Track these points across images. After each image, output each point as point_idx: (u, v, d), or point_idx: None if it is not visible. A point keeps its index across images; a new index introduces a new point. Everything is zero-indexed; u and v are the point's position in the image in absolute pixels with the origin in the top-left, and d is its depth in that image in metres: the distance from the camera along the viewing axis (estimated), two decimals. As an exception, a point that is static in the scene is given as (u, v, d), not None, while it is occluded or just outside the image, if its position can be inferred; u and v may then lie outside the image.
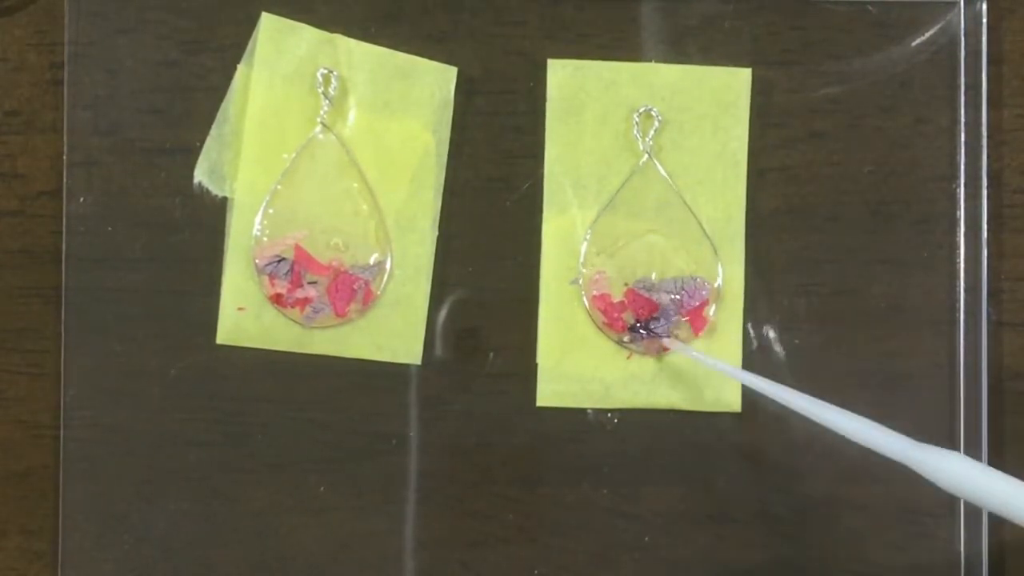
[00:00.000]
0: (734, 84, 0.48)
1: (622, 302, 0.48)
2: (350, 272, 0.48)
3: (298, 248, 0.48)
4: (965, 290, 0.48)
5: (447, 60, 0.48)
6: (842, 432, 0.41)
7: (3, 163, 0.49)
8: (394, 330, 0.48)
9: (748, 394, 0.48)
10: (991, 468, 0.38)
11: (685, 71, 0.48)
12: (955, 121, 0.49)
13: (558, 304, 0.48)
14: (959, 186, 0.48)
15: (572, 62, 0.48)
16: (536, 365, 0.48)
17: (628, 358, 0.48)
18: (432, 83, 0.48)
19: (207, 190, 0.48)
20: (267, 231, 0.48)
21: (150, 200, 0.48)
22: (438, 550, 0.49)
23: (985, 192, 0.48)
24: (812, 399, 0.42)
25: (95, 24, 0.48)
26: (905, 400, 0.48)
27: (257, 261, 0.48)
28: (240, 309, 0.48)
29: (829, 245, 0.49)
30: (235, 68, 0.48)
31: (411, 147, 0.48)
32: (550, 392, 0.48)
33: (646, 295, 0.48)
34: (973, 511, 0.48)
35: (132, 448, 0.48)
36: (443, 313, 0.48)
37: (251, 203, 0.48)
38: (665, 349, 0.48)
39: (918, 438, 0.48)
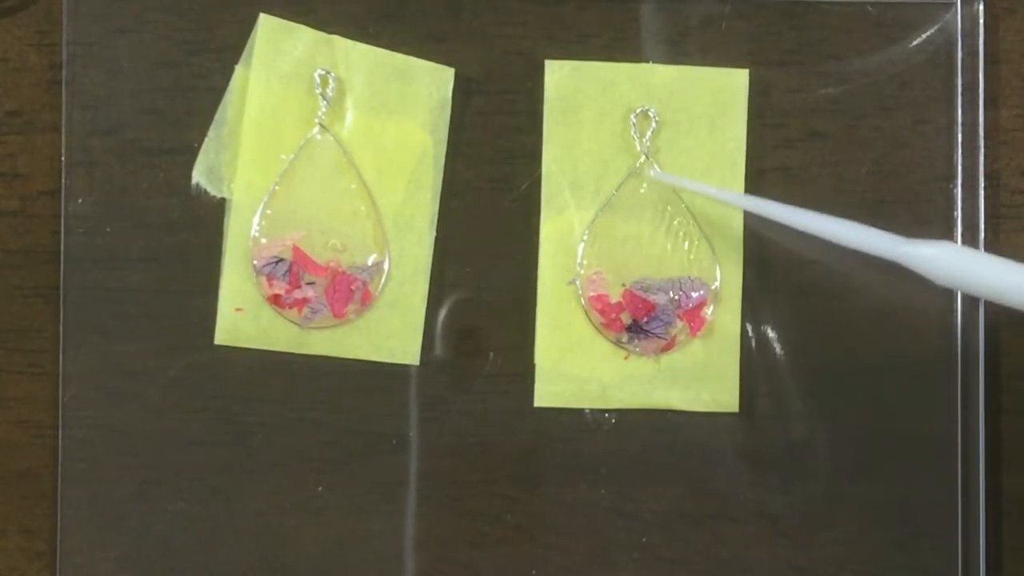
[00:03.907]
0: (731, 85, 0.48)
1: (619, 302, 0.48)
2: (348, 273, 0.48)
3: (296, 249, 0.48)
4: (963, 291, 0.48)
5: (446, 60, 0.48)
6: (832, 237, 0.42)
7: (3, 163, 0.49)
8: (392, 330, 0.48)
9: (747, 394, 0.48)
10: (983, 252, 0.39)
11: (682, 72, 0.48)
12: (953, 121, 0.49)
13: (556, 305, 0.48)
14: (957, 186, 0.48)
15: (569, 63, 0.48)
16: (534, 365, 0.48)
17: (626, 358, 0.48)
18: (430, 84, 0.48)
19: (205, 191, 0.48)
20: (265, 232, 0.48)
21: (149, 200, 0.48)
22: (438, 550, 0.49)
23: (983, 192, 0.48)
24: (796, 208, 0.43)
25: (95, 24, 0.48)
26: (904, 400, 0.48)
27: (255, 262, 0.48)
28: (238, 310, 0.48)
29: (828, 245, 0.48)
30: (235, 69, 0.48)
31: (409, 148, 0.48)
32: (548, 393, 0.48)
33: (643, 295, 0.48)
34: (971, 510, 0.48)
35: (131, 448, 0.48)
36: (441, 313, 0.48)
37: (249, 204, 0.48)
38: (664, 350, 0.48)
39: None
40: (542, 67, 0.49)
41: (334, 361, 0.48)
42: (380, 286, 0.48)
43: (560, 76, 0.48)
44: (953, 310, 0.48)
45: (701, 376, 0.48)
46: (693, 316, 0.48)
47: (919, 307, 0.49)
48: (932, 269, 0.39)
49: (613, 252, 0.48)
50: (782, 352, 0.49)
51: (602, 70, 0.48)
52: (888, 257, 0.40)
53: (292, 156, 0.48)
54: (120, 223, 0.48)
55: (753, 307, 0.49)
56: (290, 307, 0.48)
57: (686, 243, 0.48)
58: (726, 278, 0.48)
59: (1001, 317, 0.49)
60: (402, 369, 0.48)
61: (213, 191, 0.48)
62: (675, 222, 0.48)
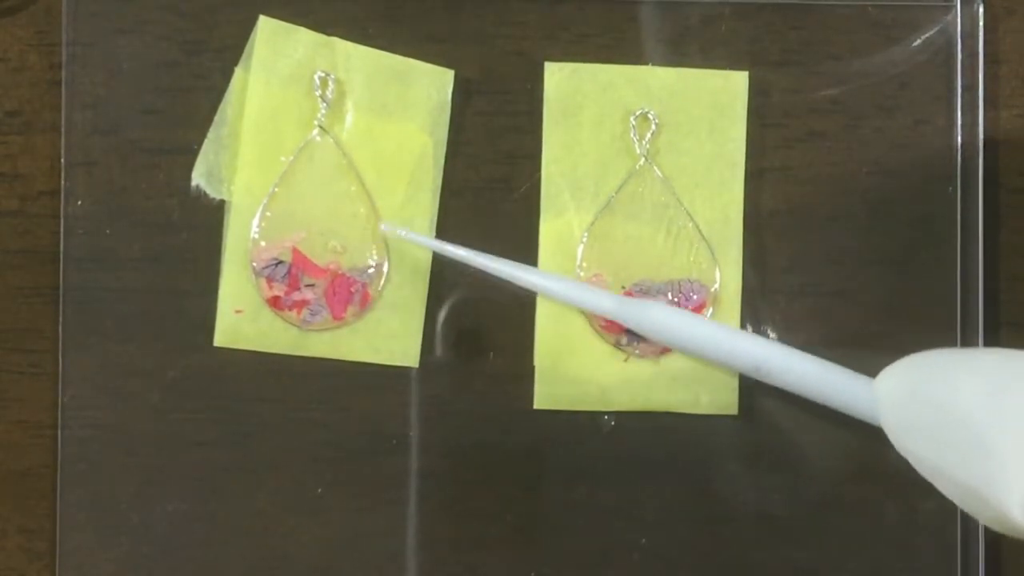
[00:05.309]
0: (731, 87, 0.48)
1: (619, 304, 0.48)
2: (348, 275, 0.48)
3: (295, 251, 0.48)
4: (962, 290, 0.48)
5: (446, 61, 0.48)
6: (549, 294, 0.46)
7: (3, 163, 0.49)
8: (392, 333, 0.48)
9: (746, 396, 0.48)
10: (690, 313, 0.44)
11: (681, 74, 0.48)
12: (953, 121, 0.49)
13: (555, 306, 0.48)
14: (957, 186, 0.48)
15: (569, 64, 0.48)
16: (534, 367, 0.48)
17: (625, 361, 0.48)
18: (429, 85, 0.48)
19: (205, 191, 0.48)
20: (264, 234, 0.48)
21: (149, 201, 0.48)
22: (438, 550, 0.49)
23: (982, 192, 0.48)
24: (513, 263, 0.46)
25: (95, 24, 0.48)
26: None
27: (254, 264, 0.48)
28: (237, 311, 0.48)
29: (827, 246, 0.49)
30: (234, 71, 0.48)
31: (408, 149, 0.48)
32: (547, 395, 0.48)
33: (643, 297, 0.48)
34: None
35: (132, 448, 0.48)
36: (441, 314, 0.48)
37: (248, 205, 0.48)
38: (664, 352, 0.48)
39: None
40: (542, 67, 0.49)
41: (334, 362, 0.48)
42: (380, 288, 0.48)
43: (560, 78, 0.48)
44: (953, 311, 0.48)
45: (700, 378, 0.48)
46: (693, 318, 0.48)
47: (919, 307, 0.49)
48: (644, 327, 0.45)
49: (613, 254, 0.48)
50: (782, 352, 0.49)
51: (602, 72, 0.48)
52: (606, 315, 0.46)
53: (292, 158, 0.48)
54: (120, 223, 0.48)
55: (753, 308, 0.49)
56: (289, 309, 0.48)
57: (685, 245, 0.48)
58: (725, 280, 0.48)
59: (1001, 316, 0.49)
60: (402, 370, 0.48)
61: (213, 193, 0.48)
62: (675, 224, 0.48)
